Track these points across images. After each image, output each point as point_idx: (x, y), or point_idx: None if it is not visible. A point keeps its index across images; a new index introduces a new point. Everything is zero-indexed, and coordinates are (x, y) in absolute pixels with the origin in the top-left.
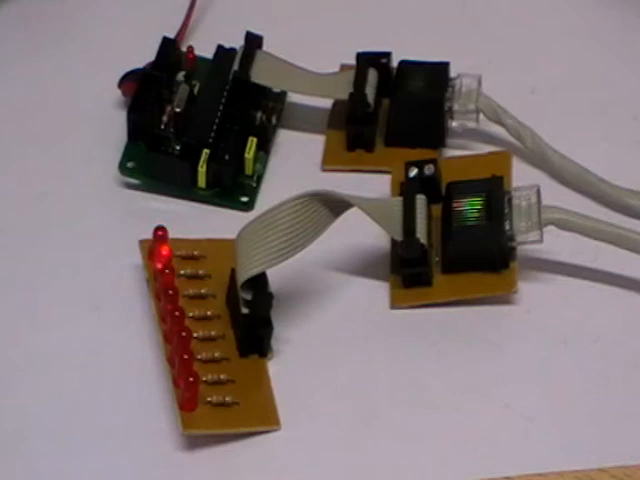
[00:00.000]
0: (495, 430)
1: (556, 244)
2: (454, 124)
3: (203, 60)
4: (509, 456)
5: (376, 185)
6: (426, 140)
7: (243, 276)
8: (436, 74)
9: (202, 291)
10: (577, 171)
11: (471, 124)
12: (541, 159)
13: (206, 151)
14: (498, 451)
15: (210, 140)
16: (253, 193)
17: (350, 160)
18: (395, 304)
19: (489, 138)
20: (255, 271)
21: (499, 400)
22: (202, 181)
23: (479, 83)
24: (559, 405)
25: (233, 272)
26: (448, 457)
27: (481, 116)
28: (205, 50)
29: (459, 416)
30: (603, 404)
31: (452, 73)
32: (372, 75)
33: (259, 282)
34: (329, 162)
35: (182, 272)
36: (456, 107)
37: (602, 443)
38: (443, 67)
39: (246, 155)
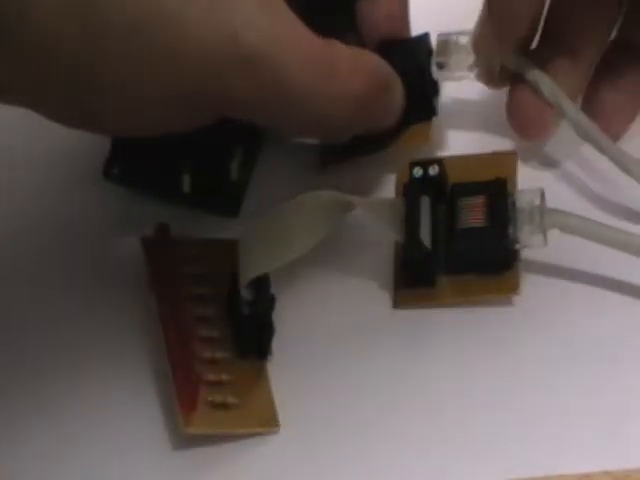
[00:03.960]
0: (496, 432)
1: (559, 247)
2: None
3: None
4: (511, 459)
5: (379, 185)
6: (419, 114)
7: (246, 277)
8: (416, 45)
9: (203, 291)
10: (590, 129)
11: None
12: (558, 110)
13: (191, 156)
14: (499, 453)
15: (196, 145)
16: (239, 198)
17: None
18: (398, 305)
19: (493, 137)
20: (258, 272)
21: (500, 403)
22: (187, 186)
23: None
24: (561, 408)
25: (234, 273)
26: (449, 460)
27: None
28: None
29: (460, 419)
30: (606, 407)
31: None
32: None
33: (261, 283)
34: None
35: (183, 271)
36: (452, 63)
37: (605, 446)
38: (423, 38)
39: (232, 160)
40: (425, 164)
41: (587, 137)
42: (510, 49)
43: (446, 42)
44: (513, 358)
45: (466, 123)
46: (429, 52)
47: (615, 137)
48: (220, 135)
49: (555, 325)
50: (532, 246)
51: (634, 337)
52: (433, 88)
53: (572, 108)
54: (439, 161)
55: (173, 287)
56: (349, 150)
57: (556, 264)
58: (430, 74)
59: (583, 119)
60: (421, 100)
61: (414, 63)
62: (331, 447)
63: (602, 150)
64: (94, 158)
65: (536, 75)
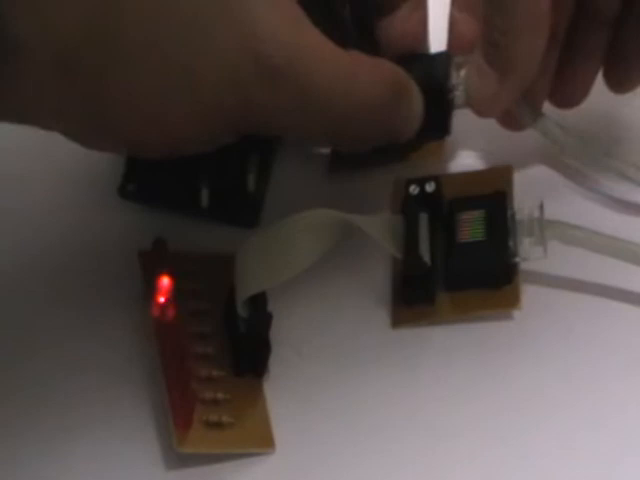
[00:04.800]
0: (496, 452)
1: (560, 259)
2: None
3: None
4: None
5: (380, 198)
6: (431, 131)
7: (243, 295)
8: (436, 63)
9: (199, 307)
10: (578, 145)
11: None
12: (543, 134)
13: (208, 168)
14: (500, 472)
15: (212, 157)
16: (256, 209)
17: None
18: (397, 323)
19: (492, 142)
20: (255, 290)
21: (501, 421)
22: (205, 199)
23: None
24: (564, 424)
25: (231, 289)
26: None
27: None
28: None
29: (460, 440)
30: (610, 422)
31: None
32: None
33: (259, 301)
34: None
35: (180, 287)
36: (458, 93)
37: (610, 459)
38: (443, 56)
39: (249, 171)
40: (421, 181)
41: (577, 156)
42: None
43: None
44: (515, 377)
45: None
46: (448, 71)
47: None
48: (236, 146)
49: (557, 339)
50: (532, 258)
51: (639, 349)
52: (450, 108)
53: (558, 130)
54: (435, 178)
55: (170, 301)
56: (360, 160)
57: (557, 276)
58: (449, 94)
59: (570, 139)
60: (438, 119)
61: (434, 82)
62: (327, 468)
63: (596, 163)
64: (111, 166)
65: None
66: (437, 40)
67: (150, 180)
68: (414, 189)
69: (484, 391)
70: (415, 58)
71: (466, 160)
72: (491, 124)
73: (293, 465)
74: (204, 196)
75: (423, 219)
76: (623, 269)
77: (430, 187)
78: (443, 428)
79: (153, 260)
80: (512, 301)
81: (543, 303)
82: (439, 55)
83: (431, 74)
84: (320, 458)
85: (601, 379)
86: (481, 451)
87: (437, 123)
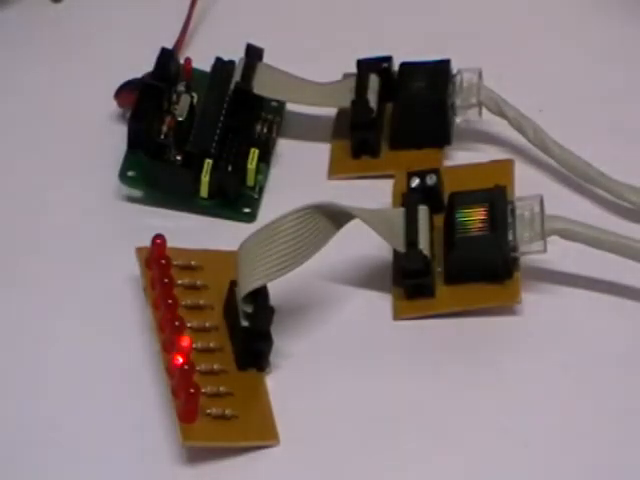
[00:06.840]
0: (497, 448)
1: (560, 254)
2: (458, 120)
3: (198, 72)
4: (511, 475)
5: (379, 193)
6: (432, 139)
7: (245, 289)
8: (438, 73)
9: (200, 302)
10: (578, 164)
11: (474, 118)
12: (543, 151)
13: (209, 161)
14: (500, 469)
15: (212, 150)
16: (255, 204)
17: (356, 167)
18: (398, 316)
19: (493, 138)
20: (258, 284)
21: (501, 415)
22: (204, 191)
23: (480, 76)
24: (563, 420)
25: (232, 284)
26: (449, 475)
27: (485, 111)
28: (196, 62)
29: (459, 432)
30: (610, 416)
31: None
32: (373, 80)
33: (260, 295)
34: (335, 171)
35: (179, 282)
36: (458, 102)
37: (606, 454)
38: (444, 65)
39: (249, 166)
40: (422, 174)
41: (577, 174)
42: None
43: (453, 84)
44: (513, 373)
45: (462, 134)
46: (449, 80)
47: None
48: (236, 141)
49: (556, 333)
50: (532, 253)
51: (637, 345)
52: (450, 117)
53: (558, 148)
54: (436, 170)
55: (170, 298)
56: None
57: (556, 271)
58: (448, 103)
59: (570, 157)
60: (439, 128)
61: (434, 91)
62: (331, 460)
63: (593, 183)
64: (107, 165)
65: (519, 117)
66: (437, 44)
67: (151, 167)
68: (415, 181)
69: (484, 383)
70: (415, 67)
71: (467, 153)
72: (493, 118)
73: (298, 457)
74: (204, 186)
75: (423, 212)
76: (622, 265)
77: (431, 180)
78: (444, 419)
79: (151, 257)
80: (512, 295)
81: (542, 297)
82: (439, 63)
83: (434, 84)
84: (324, 450)
85: (599, 373)
86: (481, 442)
87: (437, 132)
